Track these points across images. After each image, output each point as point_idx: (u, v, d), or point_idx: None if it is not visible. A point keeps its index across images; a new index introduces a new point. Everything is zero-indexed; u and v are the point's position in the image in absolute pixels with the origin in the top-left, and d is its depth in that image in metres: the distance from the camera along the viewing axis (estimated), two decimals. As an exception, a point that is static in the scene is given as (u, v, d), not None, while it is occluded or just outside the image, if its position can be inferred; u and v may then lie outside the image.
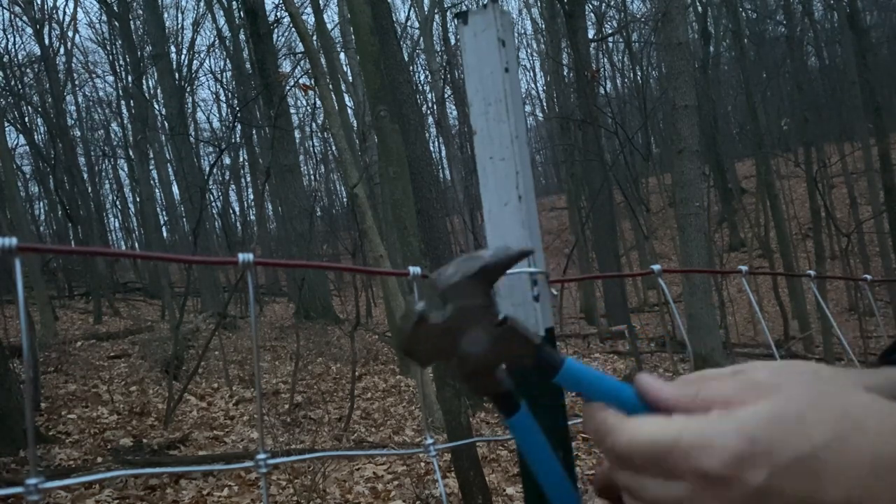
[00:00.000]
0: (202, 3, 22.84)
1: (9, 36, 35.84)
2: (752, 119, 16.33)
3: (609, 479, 0.41)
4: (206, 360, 8.51)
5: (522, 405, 0.52)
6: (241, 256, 0.63)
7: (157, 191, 21.95)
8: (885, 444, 0.31)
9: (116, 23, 18.77)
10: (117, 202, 30.17)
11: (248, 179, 28.02)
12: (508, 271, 0.72)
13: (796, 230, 21.47)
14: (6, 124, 15.87)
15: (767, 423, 0.33)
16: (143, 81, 19.47)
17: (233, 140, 22.14)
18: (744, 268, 1.13)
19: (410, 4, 20.68)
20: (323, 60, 10.69)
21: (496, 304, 0.49)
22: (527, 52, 32.35)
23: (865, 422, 0.32)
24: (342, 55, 15.95)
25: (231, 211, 27.63)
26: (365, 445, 6.24)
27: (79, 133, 24.60)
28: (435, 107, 19.65)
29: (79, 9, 51.72)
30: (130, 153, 23.23)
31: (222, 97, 28.45)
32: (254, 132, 20.88)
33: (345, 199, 22.56)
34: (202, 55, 36.54)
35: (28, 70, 21.04)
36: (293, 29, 10.05)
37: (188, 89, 22.79)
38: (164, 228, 22.50)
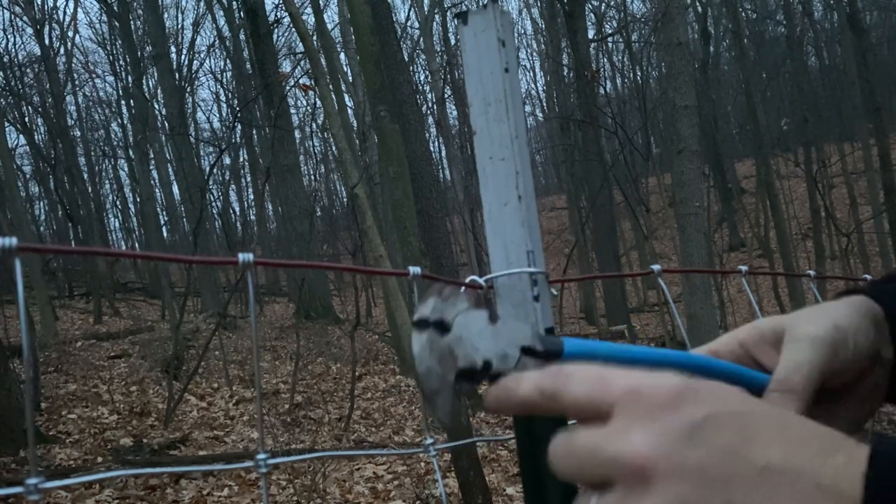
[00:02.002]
0: (202, 3, 22.85)
1: (9, 36, 35.83)
2: (752, 119, 16.33)
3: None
4: (206, 360, 8.51)
5: (563, 340, 0.50)
6: (241, 256, 0.63)
7: (157, 191, 21.96)
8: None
9: (116, 23, 18.77)
10: (117, 202, 30.18)
11: (248, 179, 28.03)
12: (508, 271, 0.72)
13: (796, 230, 21.46)
14: (6, 124, 15.87)
15: (715, 384, 0.35)
16: (143, 81, 19.48)
17: (233, 140, 22.14)
18: (744, 268, 1.13)
19: (410, 4, 20.68)
20: (323, 60, 10.69)
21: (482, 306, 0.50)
22: (527, 52, 32.35)
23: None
24: (342, 55, 15.96)
25: (231, 211, 27.65)
26: (365, 445, 6.24)
27: (79, 133, 24.59)
28: (435, 107, 19.65)
29: (79, 9, 51.68)
30: (130, 153, 23.24)
31: (222, 97, 28.46)
32: (254, 132, 20.88)
33: (345, 199, 22.57)
34: (202, 55, 36.49)
35: (28, 70, 21.05)
36: (293, 29, 10.05)
37: (188, 89, 22.80)
38: (164, 228, 22.50)
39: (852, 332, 0.52)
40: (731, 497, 0.31)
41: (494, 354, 0.49)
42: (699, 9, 19.98)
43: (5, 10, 19.73)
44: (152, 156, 18.56)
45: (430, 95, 21.74)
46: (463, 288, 0.77)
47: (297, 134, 22.66)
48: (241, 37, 19.29)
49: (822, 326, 0.52)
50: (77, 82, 23.97)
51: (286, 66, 21.48)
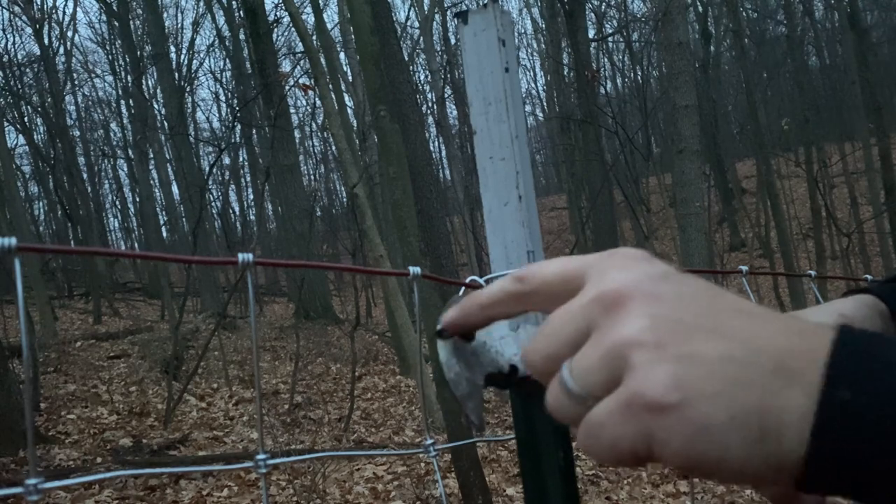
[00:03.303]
0: (202, 3, 22.84)
1: (8, 36, 35.82)
2: (753, 119, 16.32)
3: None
4: (205, 360, 8.51)
5: None
6: (241, 256, 0.63)
7: (156, 191, 21.95)
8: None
9: (116, 23, 18.77)
10: (117, 202, 30.18)
11: (248, 179, 28.02)
12: (508, 271, 0.72)
13: (797, 230, 21.45)
14: (6, 124, 15.88)
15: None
16: (143, 81, 19.47)
17: (233, 140, 22.14)
18: (744, 268, 1.12)
19: (410, 4, 20.69)
20: (323, 60, 10.68)
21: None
22: (527, 51, 32.33)
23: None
24: (342, 55, 15.95)
25: (231, 211, 27.63)
26: (365, 446, 6.24)
27: (78, 133, 24.60)
28: (435, 107, 19.65)
29: (78, 9, 51.72)
30: (130, 153, 23.23)
31: (222, 97, 28.44)
32: (254, 132, 20.87)
33: (345, 199, 22.57)
34: (202, 55, 36.54)
35: (28, 70, 21.05)
36: (293, 28, 10.05)
37: (188, 89, 22.78)
38: (163, 228, 22.49)
39: (858, 320, 0.53)
40: (705, 321, 0.30)
41: (520, 359, 0.50)
42: (699, 8, 19.97)
43: (5, 10, 19.73)
44: (152, 156, 18.55)
45: (430, 95, 21.74)
46: (462, 290, 0.77)
47: (297, 134, 22.67)
48: (241, 36, 19.29)
49: (828, 314, 0.53)
50: (76, 82, 23.99)
51: (286, 66, 21.48)
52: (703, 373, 0.28)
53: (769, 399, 0.28)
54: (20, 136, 22.02)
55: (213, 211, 22.14)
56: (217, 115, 35.45)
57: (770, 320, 0.30)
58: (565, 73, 18.61)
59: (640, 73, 24.07)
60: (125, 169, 27.22)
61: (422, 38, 18.96)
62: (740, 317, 0.30)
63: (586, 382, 0.31)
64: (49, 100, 18.84)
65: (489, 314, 0.38)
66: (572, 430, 0.33)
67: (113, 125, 26.61)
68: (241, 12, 16.56)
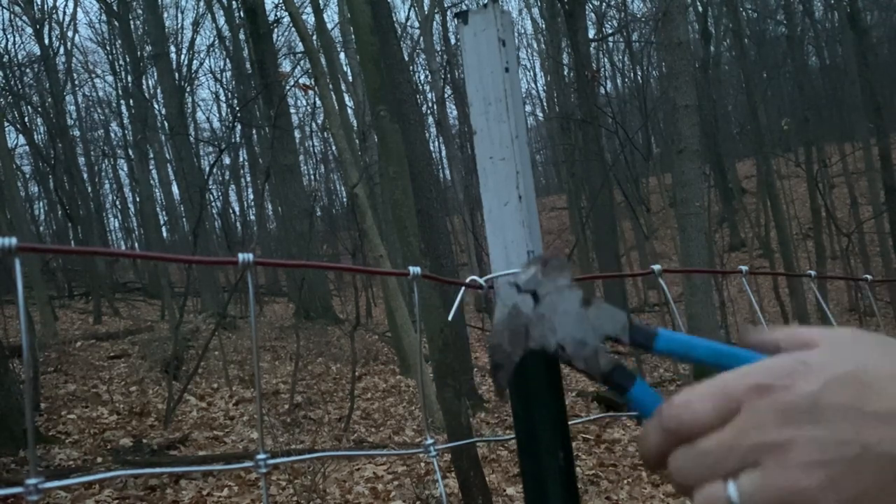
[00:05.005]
0: (202, 3, 22.84)
1: (9, 36, 35.82)
2: (753, 119, 16.32)
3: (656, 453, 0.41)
4: (206, 360, 8.51)
5: (637, 378, 0.49)
6: (241, 256, 0.63)
7: (156, 191, 21.95)
8: None
9: (116, 23, 18.77)
10: (117, 202, 30.20)
11: (248, 179, 28.03)
12: (508, 271, 0.72)
13: (797, 230, 21.46)
14: (6, 124, 15.87)
15: (820, 352, 0.37)
16: (143, 81, 19.48)
17: (233, 140, 22.14)
18: (744, 268, 1.12)
19: (410, 4, 20.69)
20: (323, 60, 10.68)
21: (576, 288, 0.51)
22: (527, 51, 32.35)
23: None
24: (342, 55, 15.95)
25: (231, 211, 27.63)
26: (365, 445, 6.24)
27: (78, 133, 24.61)
28: (435, 107, 19.65)
29: (79, 9, 51.72)
30: (130, 153, 23.24)
31: (222, 97, 28.46)
32: (254, 132, 20.87)
33: (345, 199, 22.57)
34: (202, 55, 36.58)
35: (28, 70, 21.05)
36: (293, 28, 10.05)
37: (188, 89, 22.79)
38: (164, 228, 22.49)
39: None
40: (864, 441, 0.33)
41: (571, 340, 0.50)
42: (699, 8, 19.96)
43: (5, 10, 19.73)
44: (152, 156, 18.55)
45: (430, 95, 21.75)
46: (462, 289, 0.77)
47: (297, 134, 22.65)
48: (241, 36, 19.29)
49: None
50: (77, 82, 23.99)
51: (286, 66, 21.49)
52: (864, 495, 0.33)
53: None
54: (20, 136, 22.04)
55: (214, 211, 22.16)
56: (217, 115, 35.47)
57: None
58: (565, 73, 18.61)
59: (640, 73, 24.08)
60: (125, 169, 27.25)
61: (422, 38, 18.96)
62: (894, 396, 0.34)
63: None
64: (49, 100, 18.84)
65: (661, 463, 0.41)
66: None
67: (113, 125, 26.64)
68: (241, 12, 16.56)
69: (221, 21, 22.00)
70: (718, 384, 0.38)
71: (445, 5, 18.92)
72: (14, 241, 0.49)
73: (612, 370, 0.49)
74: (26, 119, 21.14)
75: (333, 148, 21.62)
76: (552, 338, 0.50)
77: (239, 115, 15.49)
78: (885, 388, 0.34)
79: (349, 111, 15.49)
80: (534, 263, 0.53)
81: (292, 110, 23.50)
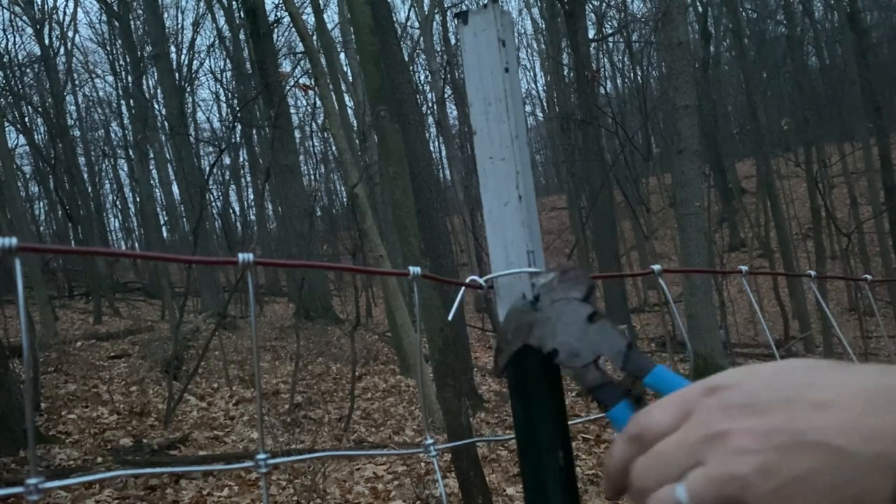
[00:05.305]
0: (202, 3, 22.85)
1: (9, 36, 35.85)
2: (753, 119, 16.33)
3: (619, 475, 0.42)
4: (206, 360, 8.51)
5: (624, 402, 0.51)
6: (241, 256, 0.63)
7: (157, 191, 21.96)
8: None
9: (116, 23, 18.77)
10: (117, 202, 30.21)
11: (248, 179, 28.04)
12: (508, 271, 0.72)
13: (796, 230, 21.46)
14: (6, 124, 15.87)
15: (772, 363, 0.39)
16: (143, 81, 19.48)
17: (233, 140, 22.15)
18: (744, 268, 1.13)
19: (410, 4, 20.69)
20: (323, 60, 10.68)
21: (592, 302, 0.53)
22: (527, 52, 32.35)
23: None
24: (342, 55, 15.94)
25: (231, 211, 27.63)
26: (365, 445, 6.24)
27: (79, 133, 24.61)
28: (435, 107, 19.65)
29: (79, 9, 51.72)
30: (130, 153, 23.25)
31: (222, 97, 28.47)
32: (254, 132, 20.87)
33: (345, 199, 22.57)
34: (202, 55, 36.57)
35: (28, 70, 21.05)
36: (293, 29, 10.05)
37: (188, 89, 22.79)
38: (164, 228, 22.49)
39: None
40: (795, 429, 0.35)
41: (566, 348, 0.53)
42: (699, 9, 19.97)
43: (5, 10, 19.74)
44: (152, 156, 18.55)
45: (430, 95, 21.75)
46: (462, 289, 0.77)
47: (297, 134, 22.65)
48: (241, 36, 19.29)
49: None
50: (77, 82, 24.00)
51: (286, 66, 21.49)
52: (807, 490, 0.34)
53: (859, 491, 0.32)
54: (21, 136, 22.06)
55: (214, 211, 22.17)
56: (217, 115, 35.46)
57: (864, 408, 0.34)
58: (565, 73, 18.61)
59: (639, 73, 24.08)
60: (125, 169, 27.26)
61: (422, 39, 18.96)
62: (832, 411, 0.34)
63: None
64: (49, 100, 18.85)
65: (624, 478, 0.42)
66: None
67: (113, 125, 26.65)
68: (242, 12, 16.56)
69: (221, 21, 22.02)
70: (678, 392, 0.41)
71: (445, 5, 18.92)
72: (14, 241, 0.49)
73: (598, 386, 0.51)
74: (26, 119, 21.15)
75: (333, 148, 21.62)
76: (550, 341, 0.53)
77: (239, 115, 15.49)
78: (819, 382, 0.36)
79: (349, 111, 15.49)
80: (554, 269, 0.56)
81: (292, 110, 23.52)
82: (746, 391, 0.37)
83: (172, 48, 21.49)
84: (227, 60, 24.01)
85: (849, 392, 0.34)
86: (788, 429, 0.34)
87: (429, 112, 21.45)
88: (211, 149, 24.07)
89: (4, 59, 19.83)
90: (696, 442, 0.37)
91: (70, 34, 25.92)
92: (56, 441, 5.91)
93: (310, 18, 17.18)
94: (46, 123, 20.09)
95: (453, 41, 18.82)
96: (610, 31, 20.86)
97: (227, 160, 24.53)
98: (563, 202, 28.07)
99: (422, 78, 23.43)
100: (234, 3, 18.89)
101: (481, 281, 0.74)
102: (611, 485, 0.43)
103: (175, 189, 18.70)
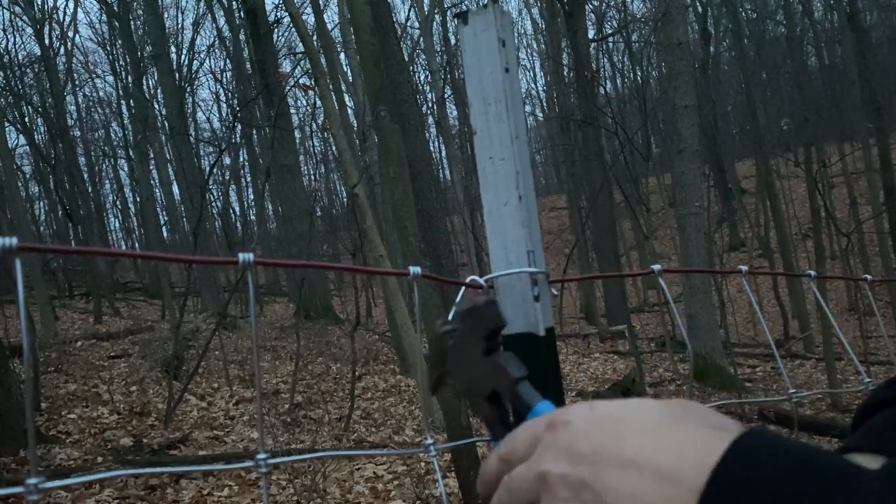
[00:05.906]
0: (202, 3, 22.85)
1: (9, 36, 35.84)
2: (752, 119, 16.32)
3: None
4: (206, 360, 8.51)
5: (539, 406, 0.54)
6: (241, 256, 0.63)
7: (157, 191, 21.96)
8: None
9: (116, 23, 18.77)
10: (117, 202, 30.21)
11: (248, 179, 28.05)
12: (508, 271, 0.72)
13: (796, 230, 21.46)
14: (6, 124, 15.86)
15: (615, 401, 0.42)
16: (143, 81, 19.48)
17: (233, 140, 22.15)
18: (744, 268, 1.13)
19: (410, 4, 20.68)
20: (323, 60, 10.67)
21: (495, 338, 0.56)
22: (527, 52, 32.37)
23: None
24: (342, 55, 15.95)
25: (231, 211, 27.65)
26: (365, 445, 6.24)
27: (79, 133, 24.61)
28: (435, 107, 19.65)
29: (79, 9, 51.72)
30: (130, 153, 23.26)
31: (222, 97, 28.48)
32: (254, 132, 20.88)
33: (345, 199, 22.56)
34: (202, 55, 36.52)
35: (28, 70, 21.05)
36: (293, 29, 10.05)
37: (188, 89, 22.79)
38: (164, 228, 22.50)
39: None
40: (601, 485, 0.36)
41: (465, 380, 0.57)
42: (699, 9, 19.97)
43: (5, 10, 19.74)
44: (152, 156, 18.56)
45: (430, 95, 21.75)
46: (462, 290, 0.77)
47: (297, 134, 22.66)
48: (241, 37, 19.29)
49: None
50: (77, 82, 24.00)
51: (286, 66, 21.49)
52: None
53: None
54: (21, 137, 22.07)
55: (214, 211, 22.15)
56: (217, 115, 35.47)
57: (679, 440, 0.36)
58: (565, 73, 18.61)
59: (639, 73, 24.08)
60: (126, 169, 27.25)
61: (422, 39, 18.96)
62: (635, 470, 0.36)
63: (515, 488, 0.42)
64: (50, 100, 18.85)
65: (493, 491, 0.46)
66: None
67: (113, 125, 26.66)
68: (242, 13, 16.55)
69: (222, 21, 22.03)
70: (533, 422, 0.44)
71: (445, 5, 18.93)
72: (14, 241, 0.49)
73: (487, 420, 0.55)
74: (27, 119, 21.14)
75: (333, 148, 21.63)
76: (457, 372, 0.58)
77: (239, 115, 15.48)
78: (628, 438, 0.37)
79: (349, 111, 15.50)
80: (469, 302, 0.61)
81: (292, 110, 23.52)
82: (570, 434, 0.39)
83: (172, 48, 21.51)
84: (227, 60, 24.03)
85: (648, 455, 0.36)
86: (593, 486, 0.36)
87: (429, 112, 21.45)
88: (211, 149, 24.08)
89: (4, 59, 19.83)
90: (534, 478, 0.40)
91: (70, 34, 25.93)
92: (56, 441, 5.91)
93: (310, 18, 17.19)
94: (46, 123, 20.09)
95: (453, 41, 18.83)
96: (610, 32, 20.85)
97: (227, 160, 24.55)
98: (563, 202, 28.08)
99: (422, 78, 23.44)
100: (234, 3, 18.90)
101: (481, 281, 0.74)
102: (484, 495, 0.47)
103: (175, 189, 18.72)
